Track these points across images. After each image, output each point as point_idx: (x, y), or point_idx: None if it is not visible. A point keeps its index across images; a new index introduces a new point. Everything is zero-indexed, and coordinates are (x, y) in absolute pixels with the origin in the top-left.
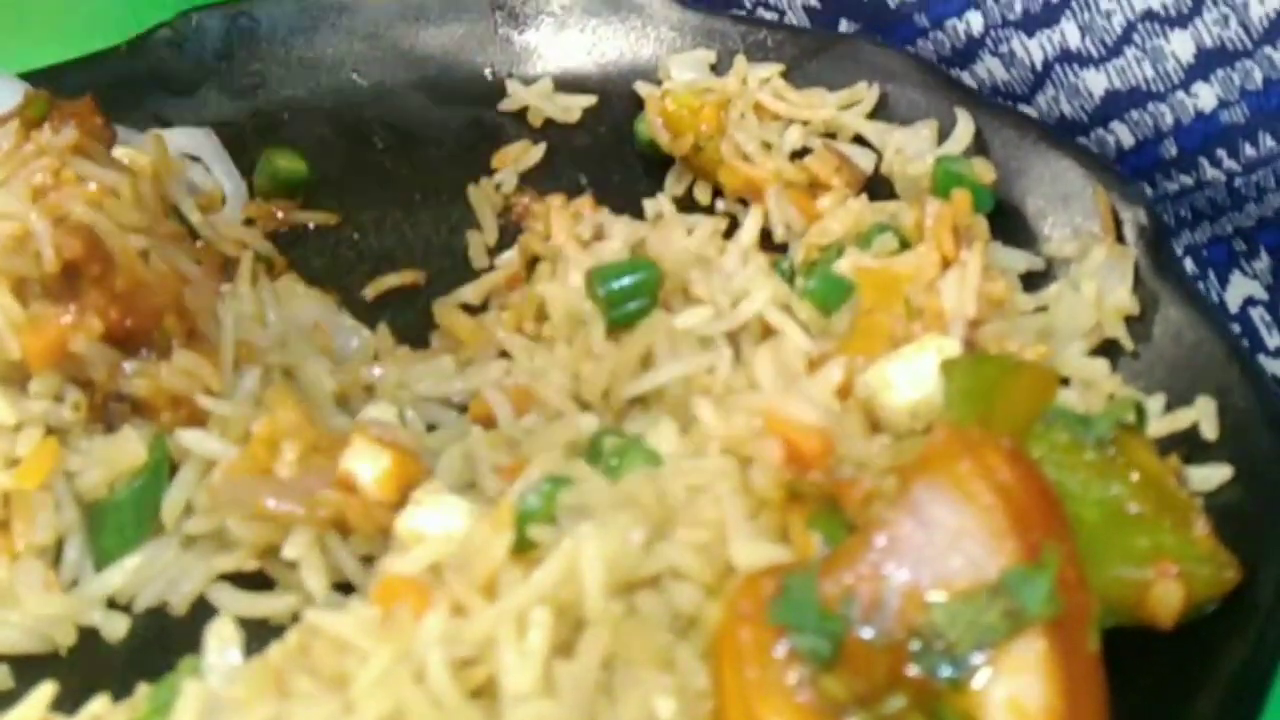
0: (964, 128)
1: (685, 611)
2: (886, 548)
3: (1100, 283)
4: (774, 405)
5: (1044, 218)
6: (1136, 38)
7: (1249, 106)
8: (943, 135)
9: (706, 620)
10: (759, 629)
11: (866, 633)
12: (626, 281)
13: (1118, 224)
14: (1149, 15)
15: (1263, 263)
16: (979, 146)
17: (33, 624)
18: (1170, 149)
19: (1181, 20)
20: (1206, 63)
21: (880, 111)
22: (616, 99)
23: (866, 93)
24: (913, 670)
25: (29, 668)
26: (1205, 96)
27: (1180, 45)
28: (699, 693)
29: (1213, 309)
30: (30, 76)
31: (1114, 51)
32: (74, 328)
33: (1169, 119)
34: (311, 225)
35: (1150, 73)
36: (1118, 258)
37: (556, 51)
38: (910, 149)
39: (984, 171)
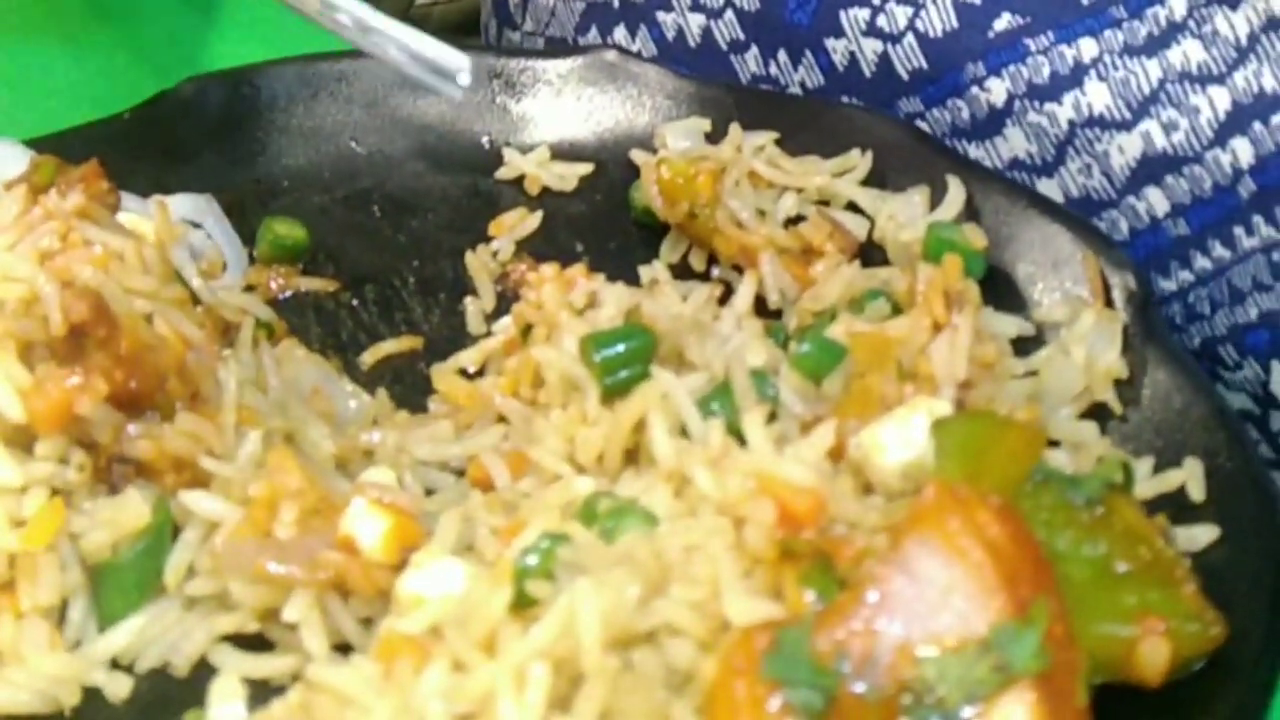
0: (955, 194)
1: (681, 667)
2: (878, 604)
3: (1089, 347)
4: (767, 467)
5: (1034, 283)
6: None
7: None
8: (934, 202)
9: (702, 675)
10: (753, 683)
11: (858, 687)
12: (619, 349)
13: (1106, 289)
14: (1016, 164)
15: None
16: (970, 213)
17: (37, 684)
18: None
19: (1047, 169)
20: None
21: (873, 178)
22: (613, 167)
23: (859, 160)
24: None
25: None
26: None
27: (1048, 193)
28: None
29: (1200, 373)
30: (35, 143)
31: None
32: (80, 390)
33: None
34: (311, 292)
35: None
36: (1107, 322)
37: (553, 120)
38: (902, 216)
39: (975, 238)
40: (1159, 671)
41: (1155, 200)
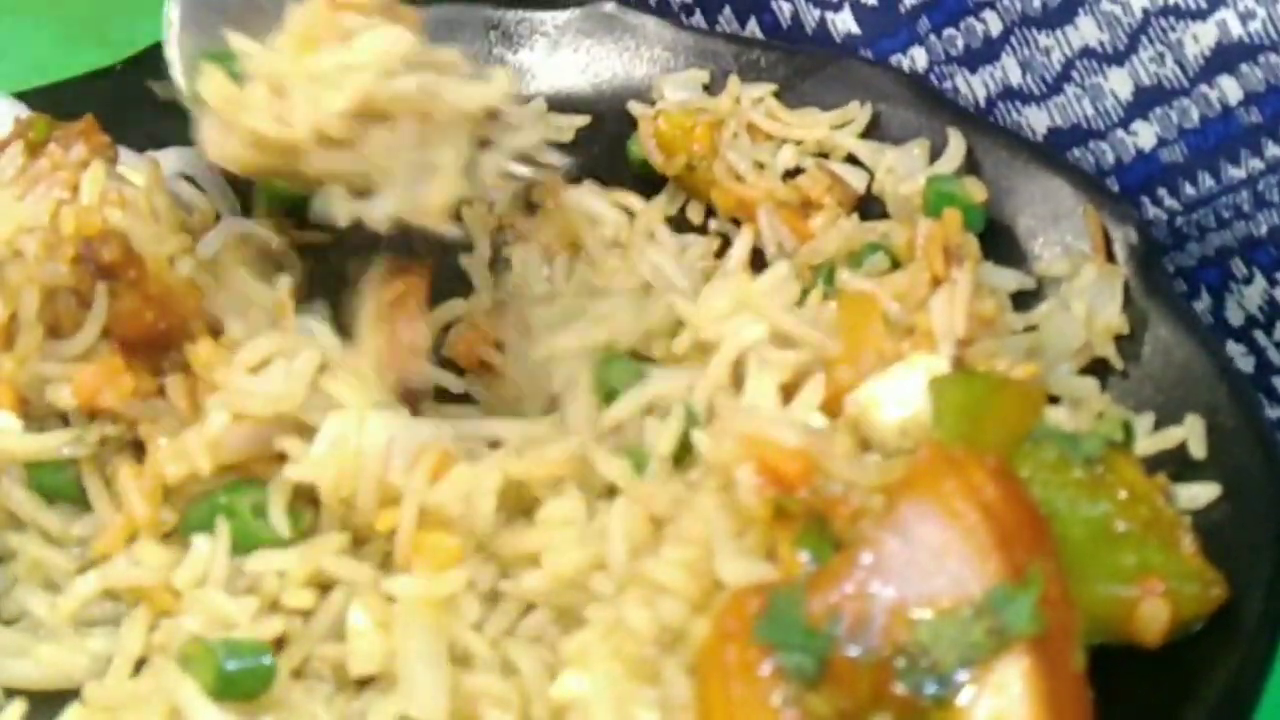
0: (955, 147)
1: (672, 626)
2: (872, 566)
3: (1090, 302)
4: (753, 429)
5: (1035, 237)
6: (1075, 75)
7: (1188, 146)
8: (934, 154)
9: (692, 635)
10: (745, 647)
11: (852, 650)
12: None
13: (1108, 243)
14: (1087, 52)
15: (1204, 302)
16: (970, 166)
17: None
18: (1113, 188)
19: (1118, 58)
20: (1145, 101)
21: (872, 131)
22: (610, 119)
23: (859, 112)
24: (898, 688)
25: None
26: (1145, 135)
27: (1119, 83)
28: (682, 706)
29: (1202, 328)
30: (26, 96)
31: (1054, 89)
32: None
33: (1110, 157)
34: (306, 244)
35: (1090, 110)
36: (1108, 277)
37: (550, 72)
38: (902, 168)
39: (975, 191)
40: (1158, 633)
41: (1229, 89)
